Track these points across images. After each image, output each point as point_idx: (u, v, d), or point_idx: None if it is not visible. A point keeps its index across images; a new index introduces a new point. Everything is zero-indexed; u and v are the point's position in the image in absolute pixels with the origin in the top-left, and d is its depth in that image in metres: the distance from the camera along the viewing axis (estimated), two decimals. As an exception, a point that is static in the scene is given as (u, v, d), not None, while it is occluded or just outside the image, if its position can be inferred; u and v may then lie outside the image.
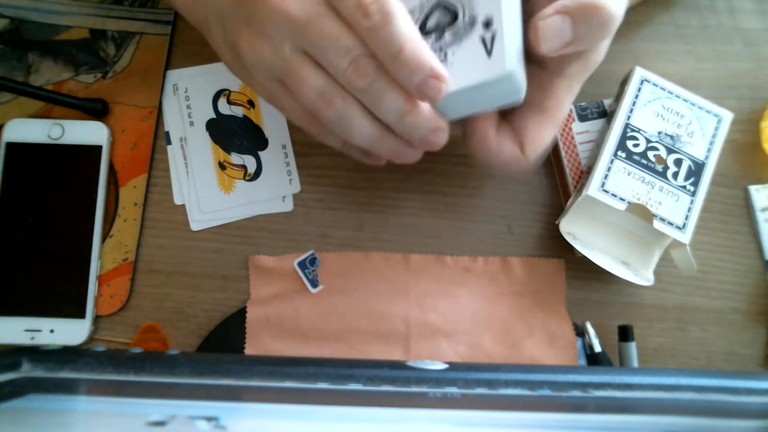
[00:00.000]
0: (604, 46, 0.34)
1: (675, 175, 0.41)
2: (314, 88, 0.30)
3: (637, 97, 0.42)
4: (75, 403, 0.30)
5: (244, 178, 0.44)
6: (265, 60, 0.31)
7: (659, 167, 0.41)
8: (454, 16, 0.32)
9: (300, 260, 0.42)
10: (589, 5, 0.29)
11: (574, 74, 0.34)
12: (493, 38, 0.31)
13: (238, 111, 0.44)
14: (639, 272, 0.41)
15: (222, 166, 0.44)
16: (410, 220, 0.44)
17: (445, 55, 0.32)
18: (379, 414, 0.30)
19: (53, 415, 0.29)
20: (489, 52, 0.30)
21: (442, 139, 0.32)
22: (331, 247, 0.43)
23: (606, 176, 0.40)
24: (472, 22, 0.32)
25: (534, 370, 0.34)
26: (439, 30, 0.33)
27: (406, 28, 0.28)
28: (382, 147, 0.33)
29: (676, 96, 0.42)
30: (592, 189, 0.40)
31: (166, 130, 0.44)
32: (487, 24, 0.31)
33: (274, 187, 0.44)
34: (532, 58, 0.33)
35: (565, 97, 0.34)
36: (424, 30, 0.33)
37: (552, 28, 0.29)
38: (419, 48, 0.29)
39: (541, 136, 0.34)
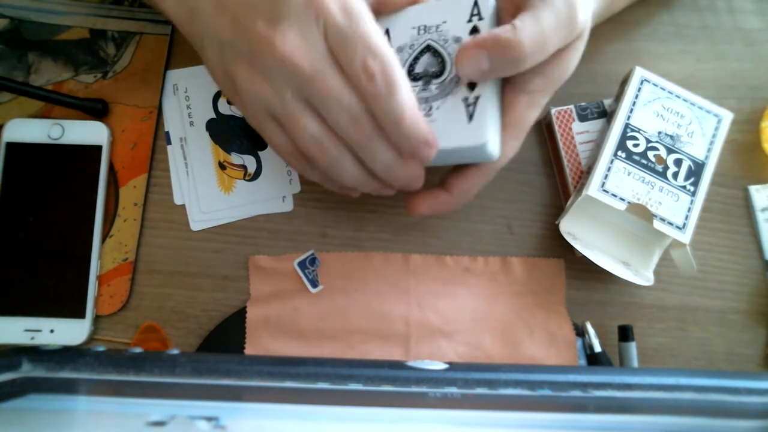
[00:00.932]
0: (571, 62, 0.35)
1: (675, 175, 0.41)
2: (311, 135, 0.32)
3: (637, 97, 0.42)
4: (75, 403, 0.30)
5: (244, 178, 0.44)
6: (264, 98, 0.31)
7: (659, 167, 0.41)
8: (442, 67, 0.34)
9: (300, 260, 0.42)
10: (504, 42, 0.31)
11: (536, 90, 0.35)
12: (475, 102, 0.33)
13: (238, 111, 0.44)
14: (639, 272, 0.41)
15: (222, 166, 0.44)
16: (410, 220, 0.44)
17: (430, 108, 0.34)
18: (379, 414, 0.30)
19: (53, 415, 0.29)
20: (470, 117, 0.32)
21: (419, 185, 0.35)
22: (331, 247, 0.43)
23: (606, 176, 0.40)
24: (458, 80, 0.33)
25: (534, 370, 0.34)
26: (427, 78, 0.34)
27: (407, 98, 0.30)
28: (365, 188, 0.35)
29: (676, 96, 0.42)
30: (592, 189, 0.40)
31: (166, 130, 0.44)
32: (471, 86, 0.33)
33: (274, 187, 0.44)
34: None
35: (526, 112, 0.35)
36: (412, 73, 0.35)
37: (470, 58, 0.32)
38: (417, 118, 0.31)
39: (503, 147, 0.35)
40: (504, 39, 0.31)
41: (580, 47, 0.34)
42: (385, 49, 0.30)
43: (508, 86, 0.35)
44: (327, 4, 0.30)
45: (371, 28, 0.30)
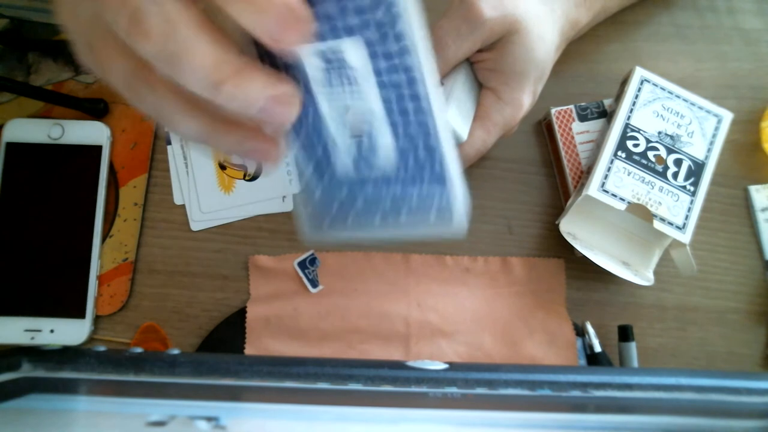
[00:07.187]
0: (515, 54, 0.36)
1: (675, 175, 0.41)
2: (116, 70, 0.21)
3: (637, 97, 0.41)
4: (75, 403, 0.30)
5: (244, 178, 0.44)
6: (74, 28, 0.22)
7: (659, 167, 0.41)
8: None
9: (300, 260, 0.42)
10: None
11: (496, 85, 0.37)
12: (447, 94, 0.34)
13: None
14: (639, 272, 0.41)
15: (222, 166, 0.44)
16: (410, 220, 0.44)
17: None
18: (379, 414, 0.30)
19: (53, 415, 0.29)
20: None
21: (290, 110, 0.21)
22: (331, 247, 0.43)
23: (606, 176, 0.40)
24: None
25: (534, 370, 0.34)
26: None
27: None
28: (224, 144, 0.23)
29: (676, 96, 0.42)
30: (592, 189, 0.40)
31: (166, 130, 0.44)
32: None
33: (274, 187, 0.44)
34: None
35: (494, 106, 0.37)
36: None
37: None
38: None
39: (469, 137, 0.37)
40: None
41: (523, 40, 0.35)
42: None
43: (481, 89, 0.38)
44: None
45: None
